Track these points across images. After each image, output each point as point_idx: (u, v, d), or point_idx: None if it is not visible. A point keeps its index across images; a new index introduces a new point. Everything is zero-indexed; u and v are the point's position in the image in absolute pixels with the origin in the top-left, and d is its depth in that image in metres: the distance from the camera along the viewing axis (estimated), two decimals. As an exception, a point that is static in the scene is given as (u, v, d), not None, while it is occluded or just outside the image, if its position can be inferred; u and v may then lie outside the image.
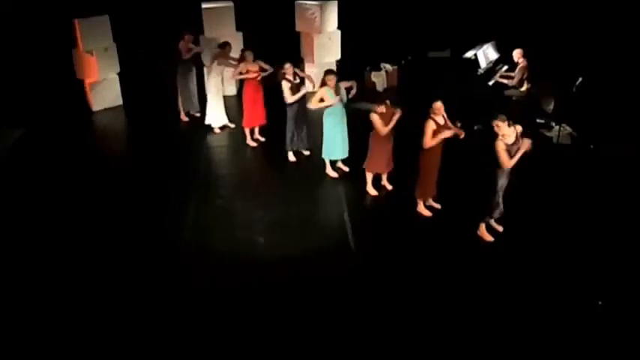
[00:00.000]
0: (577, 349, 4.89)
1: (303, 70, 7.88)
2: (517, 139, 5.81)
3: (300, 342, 4.96)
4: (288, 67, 7.61)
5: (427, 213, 6.81)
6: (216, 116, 9.11)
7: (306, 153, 8.31)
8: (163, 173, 7.94)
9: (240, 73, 8.26)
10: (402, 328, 5.09)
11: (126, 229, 6.59)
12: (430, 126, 6.27)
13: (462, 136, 6.46)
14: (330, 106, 7.21)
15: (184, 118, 9.68)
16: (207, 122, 9.16)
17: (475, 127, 8.40)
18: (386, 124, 6.73)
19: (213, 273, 5.84)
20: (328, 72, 7.24)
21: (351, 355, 4.85)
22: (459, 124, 6.53)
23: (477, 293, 5.53)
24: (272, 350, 4.88)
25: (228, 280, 5.74)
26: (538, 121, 8.84)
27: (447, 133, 6.30)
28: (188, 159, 8.37)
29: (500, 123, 5.74)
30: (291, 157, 8.20)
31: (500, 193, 6.07)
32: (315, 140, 8.14)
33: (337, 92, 7.22)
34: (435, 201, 6.91)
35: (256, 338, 5.00)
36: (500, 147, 5.75)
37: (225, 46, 8.70)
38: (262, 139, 8.79)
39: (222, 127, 9.25)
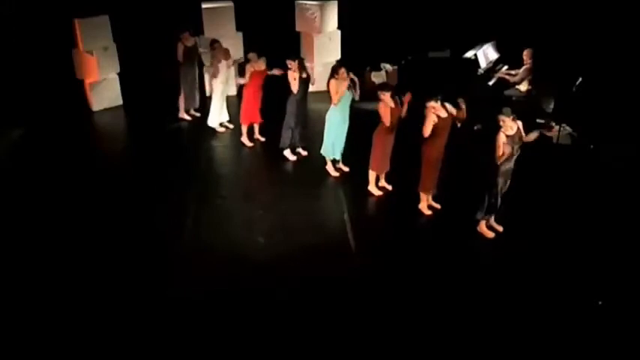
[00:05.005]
0: (577, 349, 4.89)
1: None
2: (518, 132, 5.88)
3: (300, 342, 4.96)
4: (294, 63, 7.58)
5: (428, 212, 6.82)
6: (217, 115, 9.11)
7: (304, 153, 8.30)
8: (163, 173, 7.93)
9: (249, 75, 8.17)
10: (403, 328, 5.09)
11: (126, 229, 6.58)
12: (430, 115, 6.26)
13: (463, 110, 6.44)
14: (337, 103, 7.18)
15: (186, 116, 9.67)
16: (209, 124, 9.14)
17: (475, 127, 8.39)
18: (394, 119, 6.70)
19: (213, 273, 5.84)
20: (339, 66, 7.21)
21: (351, 355, 4.85)
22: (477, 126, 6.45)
23: (478, 293, 5.53)
24: (272, 350, 4.88)
25: (228, 280, 5.73)
26: (538, 121, 8.84)
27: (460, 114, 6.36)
28: (188, 159, 8.37)
29: (505, 118, 5.79)
30: (290, 155, 8.18)
31: (499, 193, 6.08)
32: (314, 140, 8.13)
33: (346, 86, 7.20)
34: (435, 201, 6.92)
35: (256, 338, 5.00)
36: (501, 139, 5.80)
37: (213, 43, 8.68)
38: (262, 139, 8.78)
39: (224, 127, 9.23)
